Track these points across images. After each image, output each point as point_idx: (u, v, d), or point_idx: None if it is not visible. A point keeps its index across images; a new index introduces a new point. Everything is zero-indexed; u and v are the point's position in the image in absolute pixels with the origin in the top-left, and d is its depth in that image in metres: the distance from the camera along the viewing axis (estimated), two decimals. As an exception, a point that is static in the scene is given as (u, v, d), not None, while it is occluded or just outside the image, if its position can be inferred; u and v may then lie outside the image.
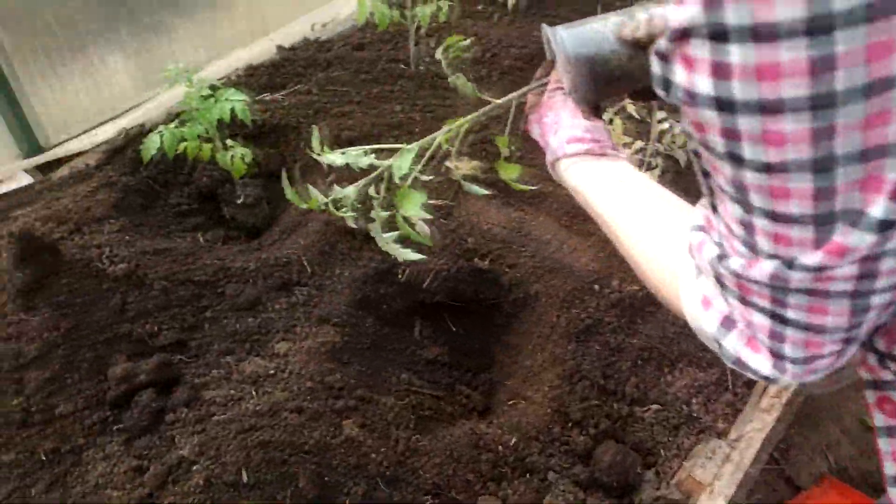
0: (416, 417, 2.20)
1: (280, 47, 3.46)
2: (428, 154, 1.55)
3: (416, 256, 1.61)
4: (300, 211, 2.72)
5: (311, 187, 1.59)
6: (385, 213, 1.65)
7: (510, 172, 1.62)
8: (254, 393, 2.11)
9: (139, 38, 3.16)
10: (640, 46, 1.12)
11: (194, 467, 1.89)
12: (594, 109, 1.22)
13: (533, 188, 1.68)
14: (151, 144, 2.41)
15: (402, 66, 3.32)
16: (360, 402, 2.14)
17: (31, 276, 2.11)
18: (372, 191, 1.65)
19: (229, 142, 2.63)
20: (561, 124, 1.15)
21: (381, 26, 2.95)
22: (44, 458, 1.95)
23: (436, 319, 2.59)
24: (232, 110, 2.48)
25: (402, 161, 1.40)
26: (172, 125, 2.48)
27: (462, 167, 1.43)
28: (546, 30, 1.27)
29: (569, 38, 1.22)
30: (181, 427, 2.01)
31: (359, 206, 1.73)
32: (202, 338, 2.26)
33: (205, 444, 1.92)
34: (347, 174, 2.80)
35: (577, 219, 2.70)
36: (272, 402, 2.06)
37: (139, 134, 2.97)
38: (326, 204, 1.60)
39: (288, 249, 2.51)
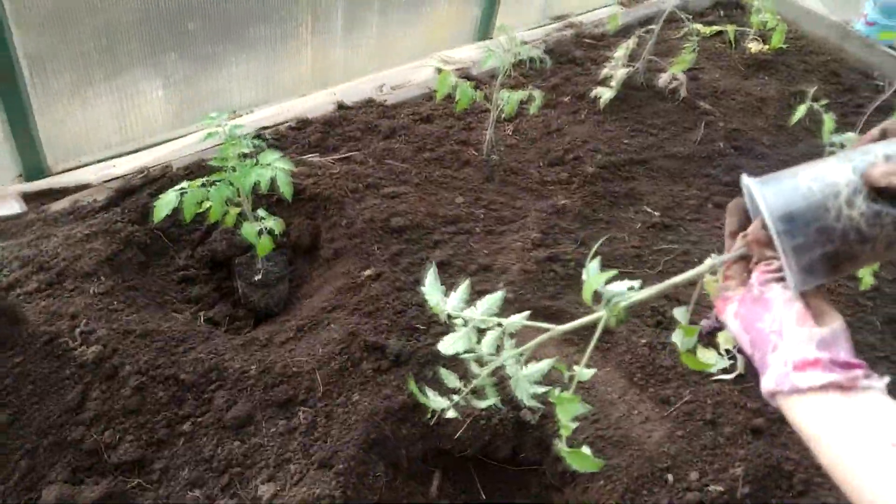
0: None
1: (340, 104, 3.08)
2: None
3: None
4: (324, 304, 2.27)
5: (430, 395, 1.26)
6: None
7: (699, 367, 1.17)
8: (218, 552, 1.62)
9: (188, 67, 2.80)
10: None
11: None
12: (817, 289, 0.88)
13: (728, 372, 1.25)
14: (166, 203, 1.99)
15: (472, 150, 2.91)
16: (351, 588, 1.64)
17: (-23, 346, 1.68)
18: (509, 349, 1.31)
19: (260, 211, 2.21)
20: (783, 335, 0.82)
21: (459, 107, 2.55)
22: None
23: (460, 476, 2.10)
24: (272, 179, 2.06)
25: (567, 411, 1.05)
26: (197, 182, 2.07)
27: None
28: (751, 187, 0.88)
29: (780, 208, 0.83)
30: (114, 589, 1.53)
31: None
32: (170, 459, 1.79)
33: None
34: (399, 279, 2.36)
35: (654, 378, 2.21)
36: (238, 573, 1.57)
37: (161, 176, 2.57)
38: (459, 400, 1.25)
39: (301, 356, 2.05)
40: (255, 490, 1.77)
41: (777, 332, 0.83)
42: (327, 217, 2.59)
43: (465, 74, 3.28)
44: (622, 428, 2.05)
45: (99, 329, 1.90)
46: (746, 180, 0.90)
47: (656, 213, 2.74)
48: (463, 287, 1.30)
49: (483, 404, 1.57)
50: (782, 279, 0.87)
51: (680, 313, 1.08)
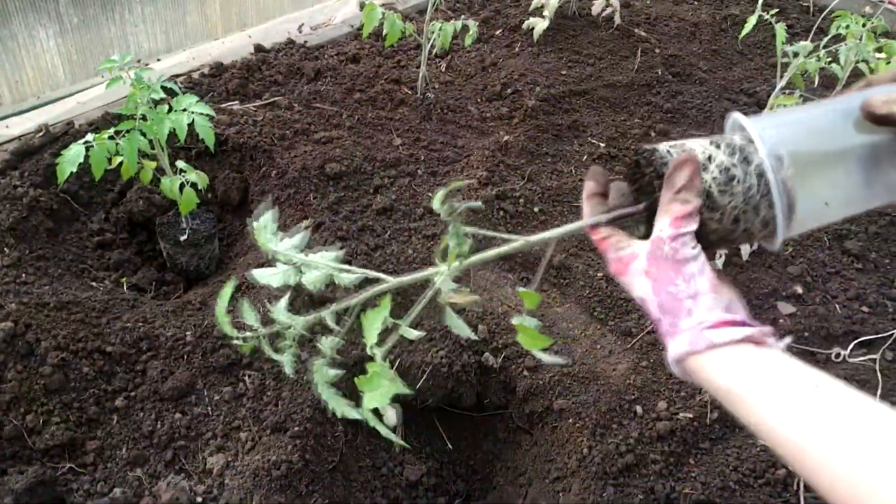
0: (391, 576, 1.60)
1: (258, 47, 2.84)
2: (421, 304, 0.96)
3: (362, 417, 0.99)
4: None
5: (246, 307, 1.02)
6: (332, 373, 1.02)
7: (536, 345, 1.03)
8: (169, 534, 1.47)
9: (83, 12, 2.51)
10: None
11: None
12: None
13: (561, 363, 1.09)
14: (70, 159, 1.77)
15: (406, 89, 2.74)
16: (319, 556, 1.53)
17: None
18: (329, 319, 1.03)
19: (180, 163, 2.00)
20: (698, 301, 0.78)
21: (388, 42, 2.37)
22: None
23: (424, 427, 2.00)
24: (190, 125, 1.86)
25: (372, 321, 0.86)
26: (106, 134, 1.84)
27: (458, 300, 0.86)
28: (740, 121, 0.82)
29: (779, 135, 0.77)
30: (52, 588, 1.36)
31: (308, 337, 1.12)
32: (105, 438, 1.61)
33: None
34: (341, 227, 2.20)
35: (614, 311, 2.15)
36: (193, 555, 1.43)
37: (64, 133, 2.30)
38: (258, 339, 0.99)
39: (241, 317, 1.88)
40: (203, 463, 1.62)
41: (692, 297, 0.78)
42: (256, 168, 2.39)
43: (390, 10, 3.08)
44: (587, 363, 1.99)
45: (7, 304, 1.68)
46: (736, 116, 0.83)
47: (601, 145, 2.66)
48: (301, 235, 1.06)
49: (277, 357, 1.34)
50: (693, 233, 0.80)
51: (528, 296, 0.94)
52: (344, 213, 2.21)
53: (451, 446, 1.94)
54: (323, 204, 2.22)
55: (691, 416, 1.90)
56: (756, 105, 2.99)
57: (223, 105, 2.53)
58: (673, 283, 0.79)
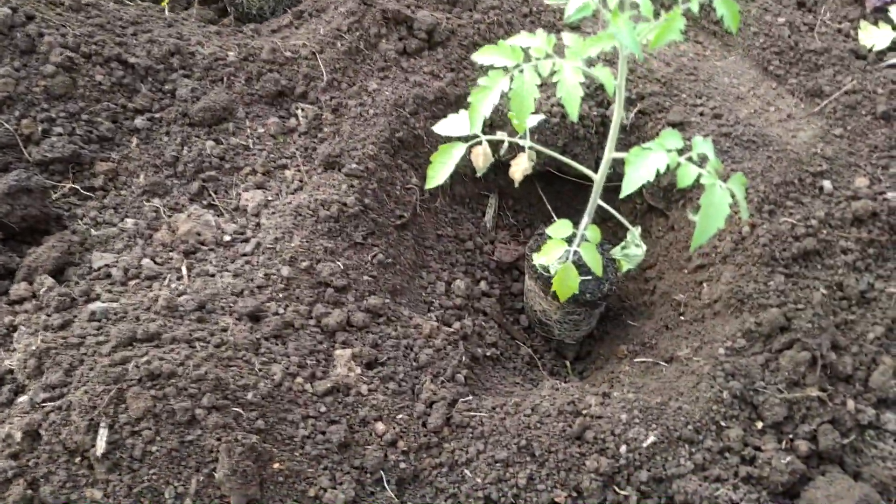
0: (469, 359, 1.21)
1: None
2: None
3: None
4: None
5: None
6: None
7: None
8: (183, 270, 1.14)
9: None
10: None
11: (20, 398, 0.95)
12: None
13: None
14: None
15: None
16: (374, 319, 1.15)
17: None
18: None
19: None
20: None
21: None
22: None
23: (523, 202, 1.55)
24: None
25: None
26: None
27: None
28: None
29: None
30: (31, 313, 1.06)
31: None
32: (120, 161, 1.28)
33: (51, 357, 0.97)
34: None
35: (798, 66, 1.56)
36: (208, 294, 1.09)
37: None
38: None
39: (298, 39, 1.47)
40: (237, 199, 1.26)
41: None
42: None
43: None
44: (754, 125, 1.45)
45: (10, -4, 1.35)
46: None
47: None
48: None
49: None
50: None
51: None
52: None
53: (551, 215, 1.49)
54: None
55: (905, 196, 1.34)
56: None
57: None
58: None
